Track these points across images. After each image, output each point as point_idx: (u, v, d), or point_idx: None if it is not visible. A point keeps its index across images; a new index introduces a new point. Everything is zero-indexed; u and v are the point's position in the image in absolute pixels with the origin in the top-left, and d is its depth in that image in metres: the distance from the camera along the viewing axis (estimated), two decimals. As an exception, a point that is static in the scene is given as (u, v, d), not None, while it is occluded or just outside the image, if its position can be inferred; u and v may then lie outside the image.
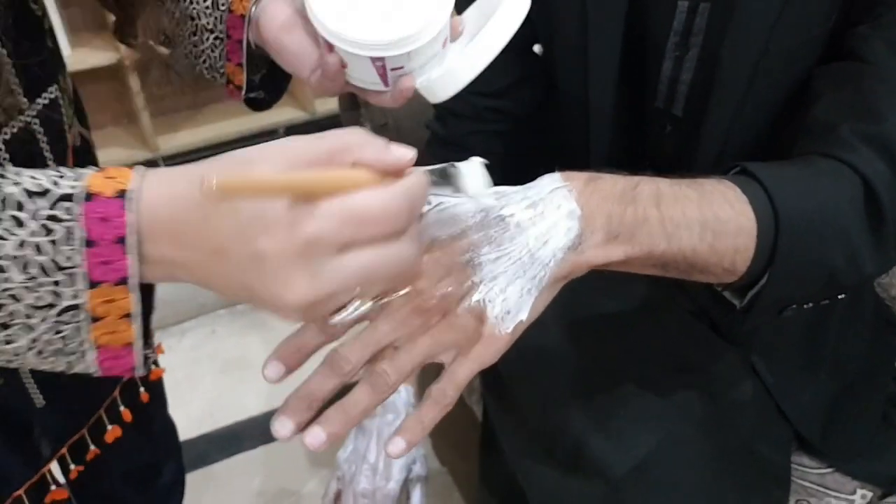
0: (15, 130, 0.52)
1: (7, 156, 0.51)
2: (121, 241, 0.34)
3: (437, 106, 0.86)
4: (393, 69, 0.51)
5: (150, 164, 2.12)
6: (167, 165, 2.11)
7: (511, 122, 0.82)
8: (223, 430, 1.51)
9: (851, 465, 0.78)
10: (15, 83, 0.52)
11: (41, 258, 0.33)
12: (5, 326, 0.34)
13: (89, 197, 0.34)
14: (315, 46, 0.53)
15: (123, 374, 0.36)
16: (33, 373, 0.62)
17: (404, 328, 0.44)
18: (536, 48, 0.81)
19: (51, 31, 0.59)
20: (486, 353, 0.45)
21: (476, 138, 0.82)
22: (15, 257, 0.33)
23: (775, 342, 0.76)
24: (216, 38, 0.59)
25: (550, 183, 0.47)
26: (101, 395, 0.73)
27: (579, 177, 0.48)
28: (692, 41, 0.67)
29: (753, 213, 0.51)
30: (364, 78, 0.53)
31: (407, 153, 0.37)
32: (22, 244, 0.33)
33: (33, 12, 0.56)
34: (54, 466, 0.69)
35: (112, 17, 0.66)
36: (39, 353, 0.35)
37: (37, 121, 0.54)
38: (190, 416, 1.49)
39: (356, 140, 0.36)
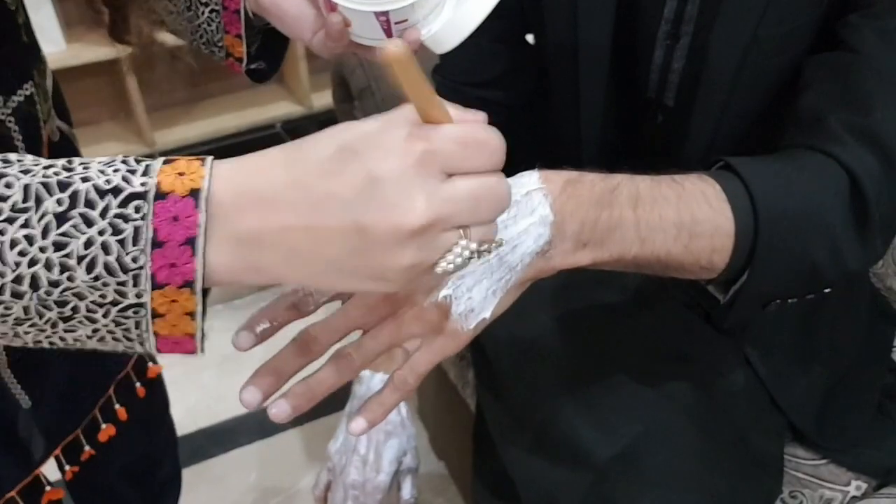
0: None
1: None
2: (190, 242, 0.33)
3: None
4: (397, 23, 0.50)
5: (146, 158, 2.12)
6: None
7: (502, 113, 0.81)
8: (220, 424, 1.51)
9: (846, 456, 0.77)
10: None
11: (107, 258, 0.33)
12: (67, 319, 0.34)
13: (160, 195, 0.33)
14: (314, 8, 0.53)
15: (183, 354, 0.36)
16: (17, 374, 0.62)
17: (373, 315, 0.45)
18: (530, 38, 0.80)
19: (26, 26, 0.58)
20: (447, 346, 0.46)
21: (467, 129, 0.81)
22: (81, 257, 0.33)
23: (769, 333, 0.76)
24: (212, 11, 0.58)
25: (528, 183, 0.48)
26: (94, 394, 0.73)
27: (558, 179, 0.49)
28: (683, 29, 0.67)
29: (732, 212, 0.51)
30: (368, 35, 0.52)
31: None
32: (89, 243, 0.32)
33: (6, 7, 0.55)
34: (49, 467, 0.68)
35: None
36: (100, 340, 0.35)
37: (11, 118, 0.53)
38: (187, 411, 1.49)
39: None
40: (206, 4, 0.57)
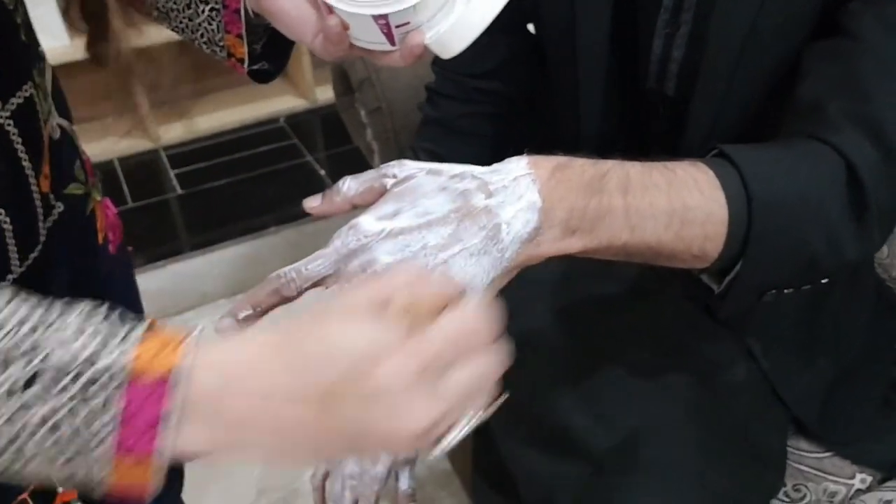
0: None
1: None
2: (155, 425, 0.33)
3: (428, 88, 0.85)
4: (398, 26, 0.48)
5: (151, 154, 2.12)
6: (168, 155, 2.12)
7: (501, 104, 0.81)
8: (224, 418, 1.51)
9: (850, 449, 0.77)
10: None
11: (71, 426, 0.33)
12: (24, 466, 0.34)
13: (132, 377, 0.33)
14: (315, 9, 0.51)
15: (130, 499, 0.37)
16: None
17: None
18: (531, 27, 0.80)
19: (25, 24, 0.57)
20: None
21: (467, 120, 0.81)
22: (41, 423, 0.33)
23: (771, 325, 0.75)
24: (212, 10, 0.56)
25: (516, 169, 0.47)
26: None
27: (547, 164, 0.48)
28: (683, 18, 0.66)
29: (725, 199, 0.50)
30: (369, 39, 0.50)
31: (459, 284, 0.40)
32: (52, 411, 0.33)
33: (4, 6, 0.53)
34: None
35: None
36: (53, 481, 0.35)
37: (10, 122, 0.52)
38: (191, 405, 1.50)
39: (409, 280, 0.38)
40: (206, 2, 0.56)
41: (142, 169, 2.08)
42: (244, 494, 1.38)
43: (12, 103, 0.53)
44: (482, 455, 0.91)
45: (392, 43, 0.49)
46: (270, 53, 0.60)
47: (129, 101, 2.10)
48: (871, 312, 0.80)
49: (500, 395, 0.44)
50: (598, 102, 0.73)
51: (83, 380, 0.33)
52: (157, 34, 0.64)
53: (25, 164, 0.54)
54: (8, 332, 0.33)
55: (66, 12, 0.58)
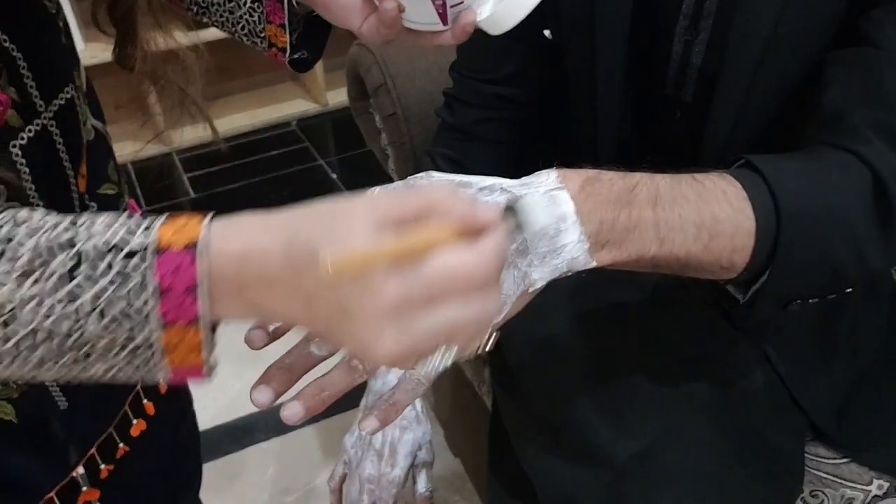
0: (31, 135, 0.51)
1: (24, 160, 0.51)
2: (192, 289, 0.35)
3: (445, 93, 0.85)
4: (453, 6, 0.50)
5: (164, 157, 2.13)
6: (181, 159, 2.13)
7: (519, 109, 0.81)
8: (238, 421, 1.52)
9: (868, 455, 0.77)
10: (31, 86, 0.51)
11: (117, 307, 0.36)
12: (83, 360, 0.37)
13: (160, 251, 0.36)
14: None
15: (193, 381, 0.39)
16: None
17: None
18: (548, 33, 0.80)
19: (66, 27, 0.58)
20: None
21: (484, 126, 0.81)
22: (91, 309, 0.35)
23: (789, 331, 0.75)
24: (254, 1, 0.57)
25: (546, 182, 0.47)
26: (124, 391, 0.73)
27: (577, 178, 0.48)
28: (702, 25, 0.66)
29: (753, 211, 0.50)
30: (423, 20, 0.52)
31: (491, 215, 0.37)
32: (97, 296, 0.35)
33: (47, 10, 0.55)
34: (83, 468, 0.69)
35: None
36: (114, 375, 0.38)
37: (53, 122, 0.53)
38: (205, 408, 1.50)
39: (443, 198, 0.37)
40: None
41: (156, 172, 2.09)
42: (259, 496, 1.39)
43: (55, 104, 0.54)
44: (500, 460, 0.91)
45: (444, 23, 0.52)
46: (308, 42, 0.61)
47: (143, 104, 2.11)
48: (888, 319, 0.80)
49: (491, 336, 0.45)
50: (615, 107, 0.73)
51: (119, 260, 0.35)
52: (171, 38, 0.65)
53: (66, 164, 0.55)
54: (45, 231, 0.36)
55: (93, 16, 0.59)
